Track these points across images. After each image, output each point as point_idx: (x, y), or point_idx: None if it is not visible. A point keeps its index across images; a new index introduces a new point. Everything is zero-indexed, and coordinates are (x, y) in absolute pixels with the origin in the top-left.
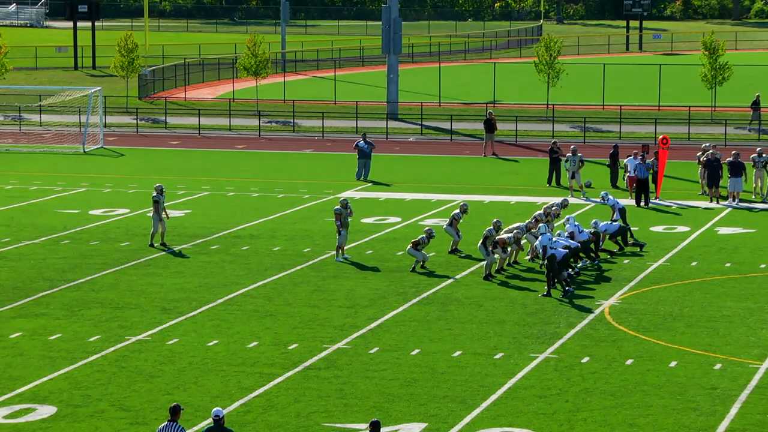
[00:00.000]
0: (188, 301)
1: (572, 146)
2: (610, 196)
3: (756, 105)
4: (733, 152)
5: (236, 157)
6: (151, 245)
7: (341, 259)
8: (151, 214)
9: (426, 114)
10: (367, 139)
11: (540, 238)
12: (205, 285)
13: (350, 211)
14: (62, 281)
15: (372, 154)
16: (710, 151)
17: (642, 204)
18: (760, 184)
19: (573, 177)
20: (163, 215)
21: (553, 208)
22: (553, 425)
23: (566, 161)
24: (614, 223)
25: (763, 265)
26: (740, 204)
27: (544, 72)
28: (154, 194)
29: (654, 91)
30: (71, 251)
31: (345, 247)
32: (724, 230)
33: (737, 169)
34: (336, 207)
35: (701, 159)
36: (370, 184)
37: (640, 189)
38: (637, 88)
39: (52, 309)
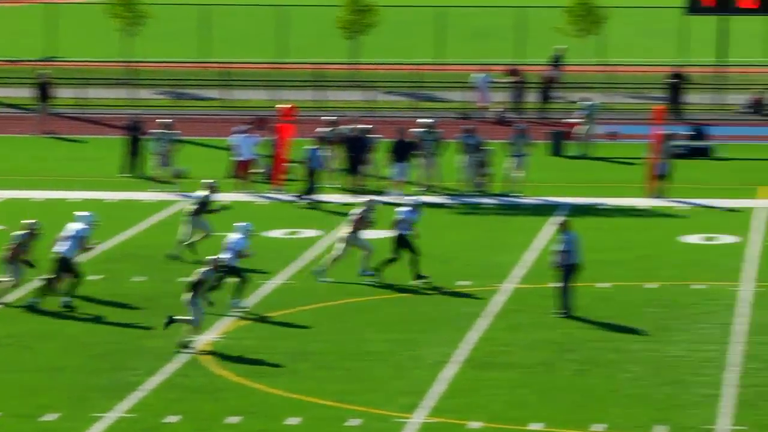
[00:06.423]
0: None
1: (168, 120)
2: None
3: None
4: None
5: None
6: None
7: None
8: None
9: None
10: None
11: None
12: None
13: None
14: None
15: None
16: (351, 126)
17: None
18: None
19: (165, 164)
20: None
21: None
22: None
23: (154, 140)
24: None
25: (419, 281)
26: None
27: (120, 16)
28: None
29: (271, 42)
30: None
31: None
32: (373, 233)
33: (403, 150)
34: None
35: (339, 136)
36: None
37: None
38: (249, 38)
39: None
